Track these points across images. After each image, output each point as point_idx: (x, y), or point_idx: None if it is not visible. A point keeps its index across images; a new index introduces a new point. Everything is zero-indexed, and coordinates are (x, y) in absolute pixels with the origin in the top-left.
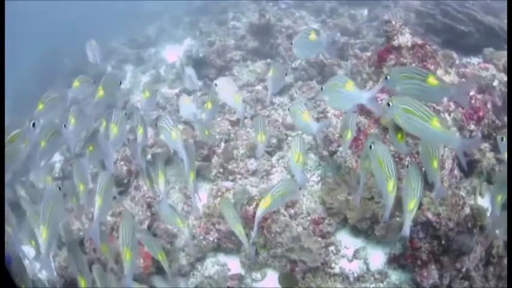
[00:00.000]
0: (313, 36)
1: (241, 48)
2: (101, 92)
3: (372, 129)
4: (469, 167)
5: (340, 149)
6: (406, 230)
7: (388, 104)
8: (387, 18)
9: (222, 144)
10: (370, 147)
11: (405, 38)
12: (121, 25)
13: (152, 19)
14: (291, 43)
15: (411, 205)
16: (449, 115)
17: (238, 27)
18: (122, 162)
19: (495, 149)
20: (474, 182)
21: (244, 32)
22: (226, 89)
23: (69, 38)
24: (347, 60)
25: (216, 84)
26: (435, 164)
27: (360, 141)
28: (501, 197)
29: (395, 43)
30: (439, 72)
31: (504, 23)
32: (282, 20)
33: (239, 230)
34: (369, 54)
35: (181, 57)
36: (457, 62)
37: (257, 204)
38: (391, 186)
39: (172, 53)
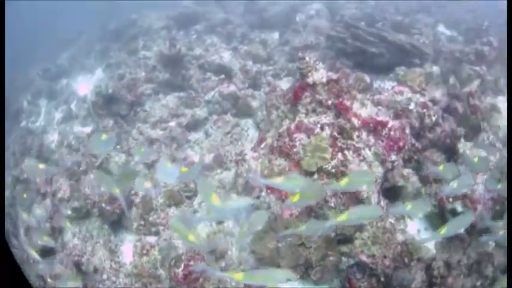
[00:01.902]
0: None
1: (152, 80)
2: None
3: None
4: (393, 194)
5: (263, 194)
6: None
7: None
8: (301, 55)
9: (140, 193)
10: None
11: (319, 74)
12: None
13: (66, 44)
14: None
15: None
16: (370, 150)
17: (149, 57)
18: None
19: (418, 172)
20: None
21: (155, 62)
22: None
23: None
24: (260, 89)
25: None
26: None
27: None
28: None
29: (309, 80)
30: (356, 105)
31: (414, 39)
32: (193, 49)
33: None
34: (283, 87)
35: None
36: (370, 83)
37: (185, 265)
38: None
39: (84, 86)
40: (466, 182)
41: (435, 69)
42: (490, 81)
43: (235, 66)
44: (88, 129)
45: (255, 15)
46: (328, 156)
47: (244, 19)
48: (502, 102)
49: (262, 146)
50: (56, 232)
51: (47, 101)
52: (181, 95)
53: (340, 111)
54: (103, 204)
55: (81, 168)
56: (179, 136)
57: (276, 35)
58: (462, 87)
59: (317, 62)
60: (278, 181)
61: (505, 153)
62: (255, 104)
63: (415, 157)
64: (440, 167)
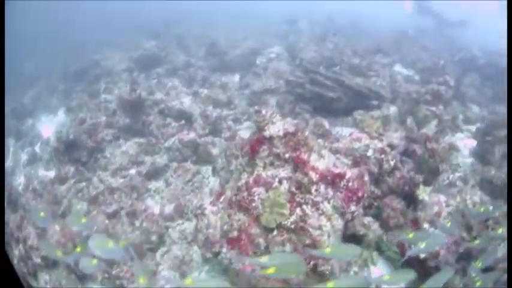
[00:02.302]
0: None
1: (112, 125)
2: None
3: (252, 228)
4: (355, 242)
5: (224, 249)
6: None
7: None
8: (257, 108)
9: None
10: None
11: (276, 127)
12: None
13: (32, 82)
14: None
15: None
16: (329, 203)
17: (110, 100)
18: None
19: (378, 218)
20: (364, 254)
21: (115, 106)
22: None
23: None
24: (221, 134)
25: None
26: None
27: (242, 241)
28: None
29: (266, 133)
30: (313, 157)
31: (371, 82)
32: (153, 94)
33: None
34: (243, 133)
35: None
36: (329, 128)
37: None
38: None
39: (47, 127)
40: (434, 243)
41: (392, 110)
42: (447, 120)
43: (195, 112)
44: (51, 174)
45: (216, 57)
46: (286, 212)
47: (206, 62)
48: (460, 139)
49: (222, 199)
50: (31, 276)
51: (14, 141)
52: (141, 142)
53: (298, 164)
54: None
55: None
56: (139, 185)
57: (236, 78)
58: (419, 128)
59: (274, 115)
60: (263, 260)
61: (465, 194)
62: (215, 151)
63: (375, 203)
64: (410, 235)
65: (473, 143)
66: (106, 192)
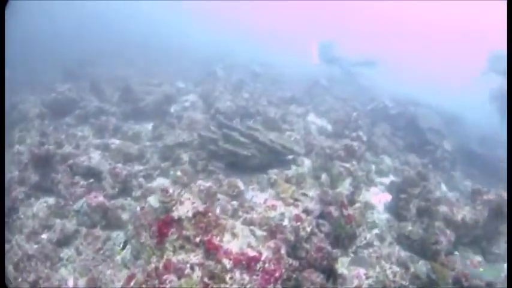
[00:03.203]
0: None
1: (24, 182)
2: None
3: None
4: None
5: None
6: None
7: None
8: (163, 187)
9: None
10: None
11: (185, 208)
12: None
13: None
14: None
15: None
16: None
17: (22, 151)
18: None
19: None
20: None
21: (27, 159)
22: None
23: None
24: (132, 192)
25: None
26: None
27: None
28: None
29: (175, 214)
30: (226, 238)
31: (285, 137)
32: (62, 146)
33: None
34: (152, 202)
35: None
36: (243, 189)
37: None
38: None
39: None
40: None
41: (307, 167)
42: (362, 176)
43: (104, 168)
44: None
45: (129, 104)
46: None
47: (119, 108)
48: (374, 194)
49: (132, 284)
50: None
51: None
52: (50, 203)
53: (210, 251)
54: None
55: None
56: (51, 253)
57: (150, 126)
58: (334, 186)
59: (182, 193)
60: None
61: (385, 262)
62: (124, 216)
63: (294, 275)
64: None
65: (387, 197)
66: (25, 259)
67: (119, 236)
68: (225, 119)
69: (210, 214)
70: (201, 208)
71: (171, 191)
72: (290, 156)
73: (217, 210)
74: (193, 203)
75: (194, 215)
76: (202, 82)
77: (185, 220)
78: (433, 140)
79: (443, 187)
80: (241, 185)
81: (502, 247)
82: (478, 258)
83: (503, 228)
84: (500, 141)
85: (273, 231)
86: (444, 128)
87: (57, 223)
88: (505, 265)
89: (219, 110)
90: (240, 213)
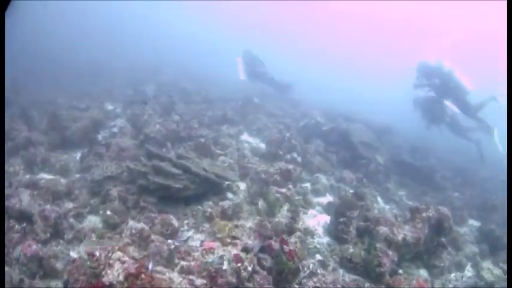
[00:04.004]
0: None
1: None
2: None
3: None
4: None
5: None
6: None
7: None
8: (89, 250)
9: None
10: None
11: (115, 271)
12: None
13: None
14: None
15: None
16: None
17: None
18: None
19: None
20: None
21: None
22: None
23: None
24: (64, 235)
25: None
26: None
27: None
28: None
29: (105, 280)
30: None
31: (219, 164)
32: None
33: None
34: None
35: None
36: (177, 226)
37: None
38: None
39: None
40: None
41: (242, 191)
42: (299, 200)
43: (34, 210)
44: None
45: (57, 132)
46: None
47: (47, 137)
48: (313, 216)
49: None
50: None
51: None
52: None
53: None
54: None
55: None
56: None
57: (78, 156)
58: (271, 213)
59: (110, 254)
60: None
61: None
62: (59, 265)
63: None
64: None
65: (326, 218)
66: None
67: (57, 286)
68: (154, 148)
69: (143, 275)
70: (132, 269)
71: (97, 254)
72: (225, 184)
73: (150, 265)
74: (123, 263)
75: (126, 278)
76: (131, 103)
77: (117, 285)
78: (365, 154)
79: (380, 200)
80: (175, 222)
81: (444, 259)
82: (423, 272)
83: (444, 240)
84: (429, 148)
85: (213, 276)
86: (376, 141)
87: (6, 271)
88: (451, 275)
89: (148, 136)
90: (177, 260)
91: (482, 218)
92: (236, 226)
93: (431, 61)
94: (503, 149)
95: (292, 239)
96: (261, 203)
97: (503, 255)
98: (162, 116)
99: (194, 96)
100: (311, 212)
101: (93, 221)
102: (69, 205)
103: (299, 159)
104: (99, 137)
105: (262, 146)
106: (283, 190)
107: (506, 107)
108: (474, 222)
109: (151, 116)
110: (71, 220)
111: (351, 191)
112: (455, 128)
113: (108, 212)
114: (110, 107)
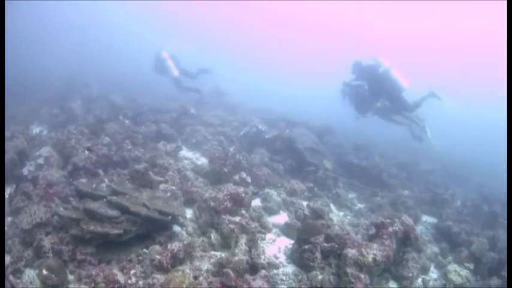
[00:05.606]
0: None
1: None
2: None
3: None
4: None
5: None
6: None
7: None
8: None
9: None
10: None
11: None
12: None
13: None
14: None
15: None
16: None
17: None
18: None
19: None
20: None
21: None
22: None
23: None
24: None
25: None
26: None
27: None
28: None
29: None
30: None
31: (159, 198)
32: None
33: None
34: None
35: None
36: (123, 283)
37: None
38: None
39: None
40: None
41: (191, 224)
42: (255, 227)
43: None
44: None
45: None
46: None
47: None
48: (271, 242)
49: None
50: None
51: None
52: None
53: None
54: None
55: None
56: None
57: (6, 195)
58: (227, 246)
59: None
60: None
61: None
62: None
63: None
64: None
65: (285, 242)
66: None
67: None
68: (84, 184)
69: None
70: None
71: None
72: (170, 222)
73: None
74: None
75: None
76: (57, 125)
77: None
78: (312, 160)
79: (333, 207)
80: (120, 277)
81: (411, 268)
82: (392, 285)
83: (409, 250)
84: (370, 144)
85: None
86: (320, 144)
87: None
88: (418, 280)
89: (77, 166)
90: None
91: (434, 214)
92: (195, 278)
93: (368, 60)
94: (438, 146)
95: (259, 281)
96: (214, 236)
97: (465, 251)
98: (90, 138)
99: (124, 110)
100: (269, 236)
101: (31, 275)
102: (7, 258)
103: (248, 179)
104: (25, 170)
105: (204, 160)
106: (237, 219)
107: (506, 107)
108: (428, 219)
109: (79, 140)
110: (11, 278)
111: (306, 207)
112: (385, 114)
113: (45, 272)
114: (36, 129)
